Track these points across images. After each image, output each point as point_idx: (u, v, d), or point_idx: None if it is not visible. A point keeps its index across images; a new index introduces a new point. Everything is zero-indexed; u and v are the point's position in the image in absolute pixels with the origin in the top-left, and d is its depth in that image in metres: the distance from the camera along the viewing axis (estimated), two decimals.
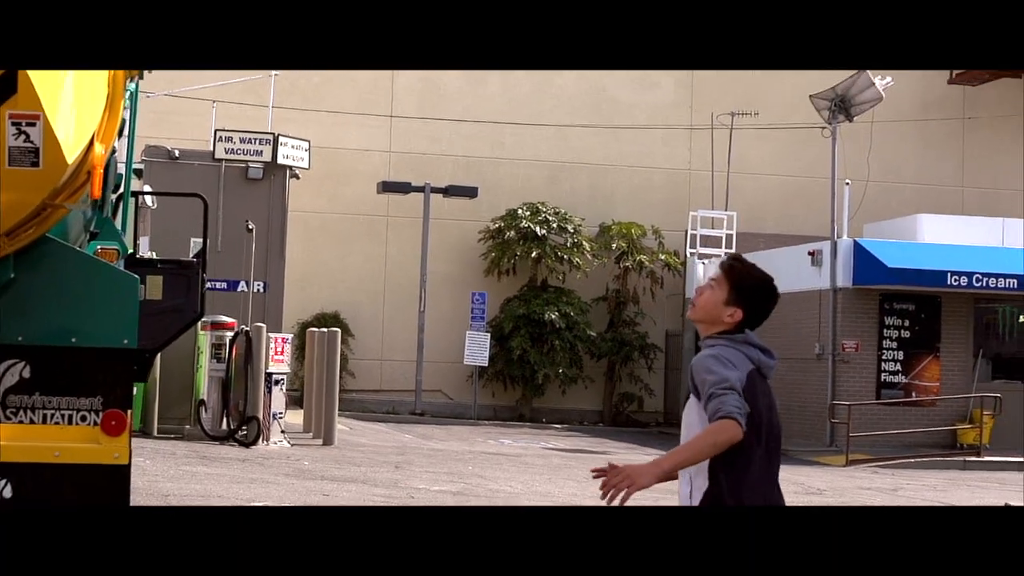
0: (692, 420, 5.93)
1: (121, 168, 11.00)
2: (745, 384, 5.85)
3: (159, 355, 21.73)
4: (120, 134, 10.40)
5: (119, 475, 6.71)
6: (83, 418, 6.73)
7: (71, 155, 5.91)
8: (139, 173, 26.78)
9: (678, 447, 5.77)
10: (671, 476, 5.79)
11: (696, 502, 5.83)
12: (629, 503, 5.66)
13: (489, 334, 34.72)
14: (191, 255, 12.91)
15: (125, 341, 6.83)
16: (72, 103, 5.91)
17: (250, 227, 25.23)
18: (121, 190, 11.53)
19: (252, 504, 15.27)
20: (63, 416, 6.74)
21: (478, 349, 34.30)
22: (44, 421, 6.74)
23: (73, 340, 6.74)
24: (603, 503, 5.62)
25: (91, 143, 6.21)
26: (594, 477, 5.68)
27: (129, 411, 6.71)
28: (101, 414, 6.67)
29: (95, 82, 6.31)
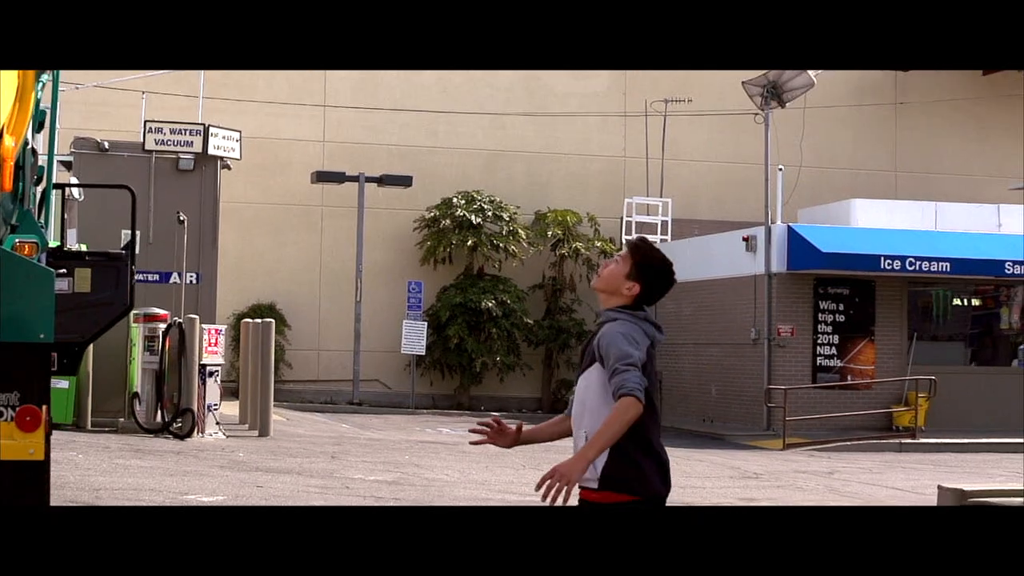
0: (591, 381, 6.50)
1: (43, 160, 10.89)
2: (644, 360, 6.41)
3: (92, 348, 21.65)
4: (40, 126, 10.30)
5: (35, 471, 6.60)
6: (0, 414, 6.64)
7: None
8: (68, 165, 26.59)
9: (595, 436, 6.27)
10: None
11: (600, 469, 6.34)
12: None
13: (426, 323, 34.70)
14: (121, 247, 12.80)
15: (41, 336, 6.73)
16: None
17: (182, 219, 25.10)
18: (44, 183, 11.43)
19: (185, 496, 15.18)
20: None
21: (415, 338, 34.27)
22: None
23: None
24: (544, 503, 6.07)
25: (0, 136, 6.11)
26: (470, 431, 6.48)
27: (45, 407, 6.60)
28: (16, 410, 6.58)
29: (3, 74, 6.21)
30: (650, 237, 35.36)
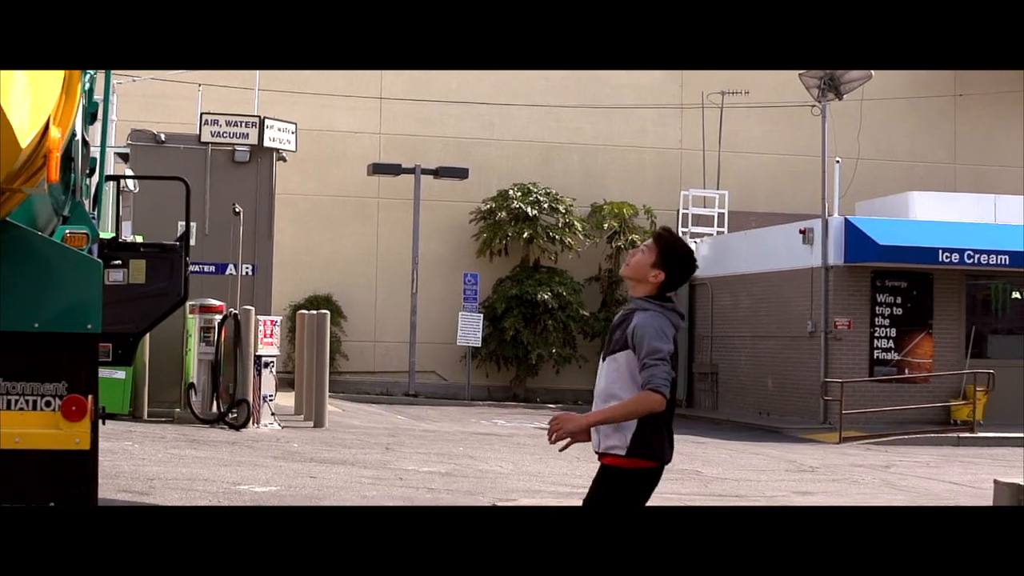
0: (621, 364, 7.09)
1: (96, 152, 10.94)
2: (673, 350, 7.05)
3: (148, 339, 21.80)
4: (92, 118, 10.35)
5: (81, 461, 6.63)
6: (47, 404, 6.66)
7: (25, 140, 5.83)
8: (125, 157, 26.72)
9: (605, 408, 7.00)
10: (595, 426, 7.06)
11: (629, 439, 7.01)
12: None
13: (482, 315, 34.72)
14: (176, 239, 12.88)
15: (89, 326, 6.76)
16: (26, 87, 5.83)
17: (237, 210, 25.18)
18: (97, 175, 11.49)
19: (238, 486, 15.25)
20: (27, 402, 6.68)
21: (471, 330, 34.30)
22: (8, 407, 6.69)
23: (36, 325, 6.67)
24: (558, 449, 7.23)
25: (47, 127, 6.15)
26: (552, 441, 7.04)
27: (91, 396, 6.62)
28: (63, 399, 6.62)
29: None
30: (707, 230, 35.45)
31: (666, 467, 7.19)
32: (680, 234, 34.90)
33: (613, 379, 7.09)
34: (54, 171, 6.16)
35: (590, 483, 7.31)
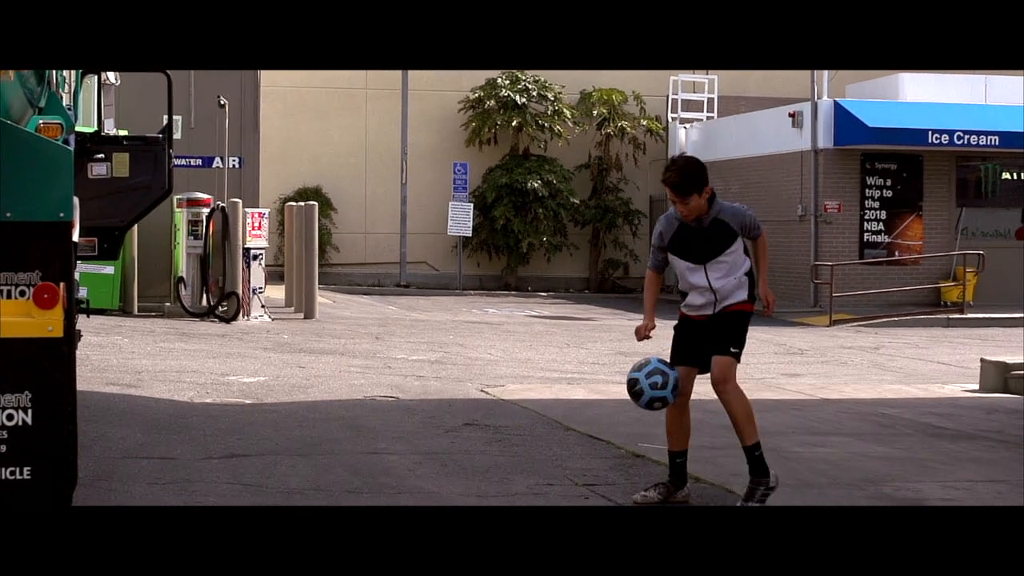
0: (737, 249, 8.92)
1: None
2: None
3: (136, 233, 21.81)
4: None
5: (54, 348, 6.64)
6: (22, 293, 6.67)
7: None
8: None
9: (761, 277, 9.24)
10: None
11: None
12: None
13: (472, 204, 34.66)
14: (158, 132, 12.83)
15: (61, 214, 6.75)
16: None
17: (222, 103, 25.06)
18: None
19: (226, 377, 15.29)
20: (1, 292, 6.69)
21: (461, 219, 34.26)
22: None
23: (8, 215, 6.66)
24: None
25: None
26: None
27: (63, 284, 6.63)
28: (34, 287, 6.62)
29: None
30: (696, 115, 35.36)
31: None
32: (670, 120, 35.19)
33: (728, 272, 8.88)
34: None
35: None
